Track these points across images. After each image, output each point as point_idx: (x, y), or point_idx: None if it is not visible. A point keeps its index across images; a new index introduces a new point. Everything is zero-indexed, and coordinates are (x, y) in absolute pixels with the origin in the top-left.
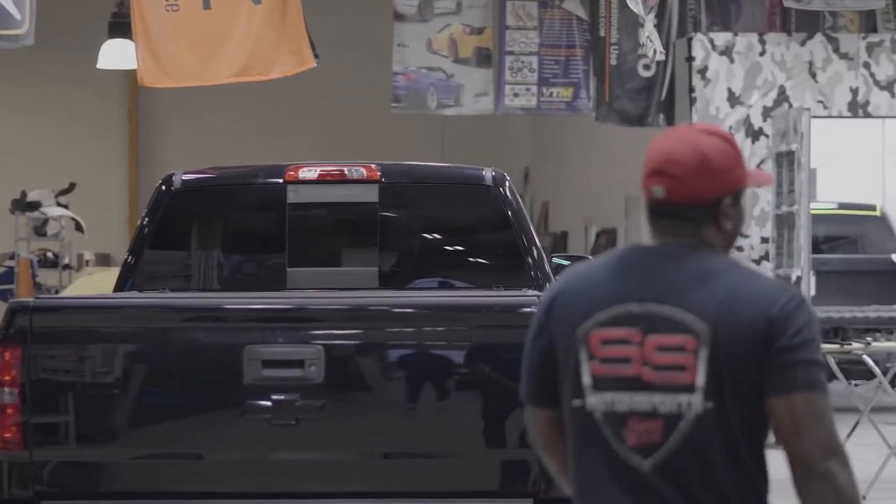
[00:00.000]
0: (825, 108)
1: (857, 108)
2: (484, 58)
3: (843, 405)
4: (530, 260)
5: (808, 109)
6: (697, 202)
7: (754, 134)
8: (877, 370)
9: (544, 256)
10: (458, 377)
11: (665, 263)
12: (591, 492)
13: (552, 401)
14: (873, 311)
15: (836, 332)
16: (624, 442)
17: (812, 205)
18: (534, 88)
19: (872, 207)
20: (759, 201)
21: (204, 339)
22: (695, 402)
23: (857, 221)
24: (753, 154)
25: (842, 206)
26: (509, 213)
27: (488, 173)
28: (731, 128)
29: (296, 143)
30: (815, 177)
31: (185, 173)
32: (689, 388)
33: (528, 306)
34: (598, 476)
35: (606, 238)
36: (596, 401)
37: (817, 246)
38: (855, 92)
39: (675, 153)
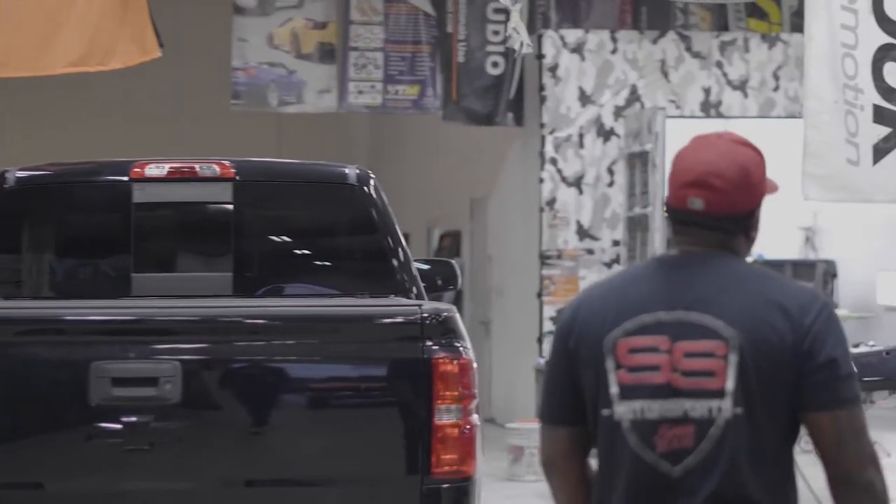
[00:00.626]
0: (677, 107)
1: (710, 108)
2: (327, 53)
3: None
4: (396, 262)
5: (664, 109)
6: (734, 214)
7: (606, 134)
8: None
9: (411, 258)
10: (332, 396)
11: (693, 271)
12: (619, 501)
13: (575, 419)
14: None
15: None
16: (654, 449)
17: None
18: (379, 86)
19: None
20: (611, 203)
21: (45, 355)
22: (724, 407)
23: None
24: (605, 155)
25: None
26: (374, 213)
27: (352, 171)
28: (581, 127)
29: (129, 138)
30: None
31: (19, 170)
32: (719, 394)
33: (406, 316)
34: (625, 484)
35: (450, 240)
36: (624, 409)
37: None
38: (707, 92)
39: (717, 166)
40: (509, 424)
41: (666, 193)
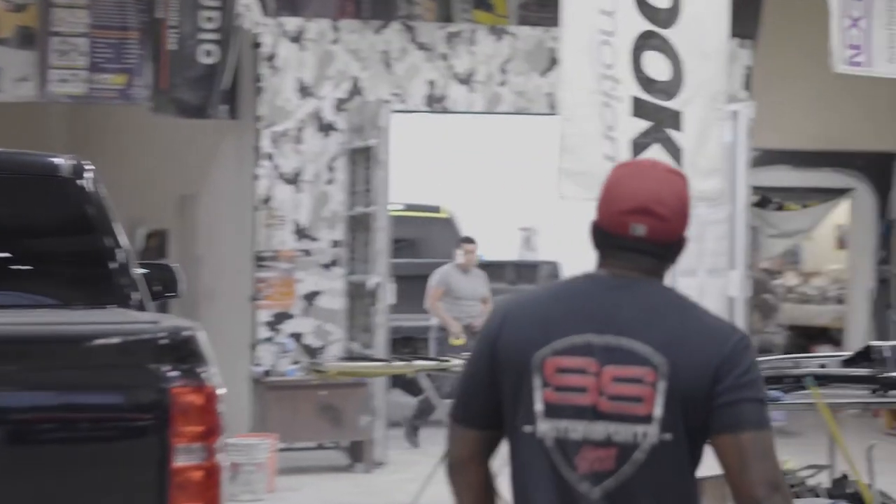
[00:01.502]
0: (401, 101)
1: (435, 102)
2: (27, 38)
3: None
4: (116, 267)
5: (389, 102)
6: (671, 241)
7: (326, 128)
8: None
9: (133, 263)
10: (42, 436)
11: (626, 295)
12: None
13: (485, 423)
14: None
15: (407, 341)
16: (575, 469)
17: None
18: (83, 74)
19: (437, 209)
20: (330, 201)
21: None
22: (651, 433)
23: (422, 224)
24: (325, 150)
25: (408, 207)
26: (90, 210)
27: (65, 162)
28: (300, 121)
29: None
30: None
31: None
32: (647, 419)
33: (137, 336)
34: (547, 500)
35: (157, 240)
36: (547, 427)
37: None
38: (432, 85)
39: (660, 194)
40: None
41: (600, 217)
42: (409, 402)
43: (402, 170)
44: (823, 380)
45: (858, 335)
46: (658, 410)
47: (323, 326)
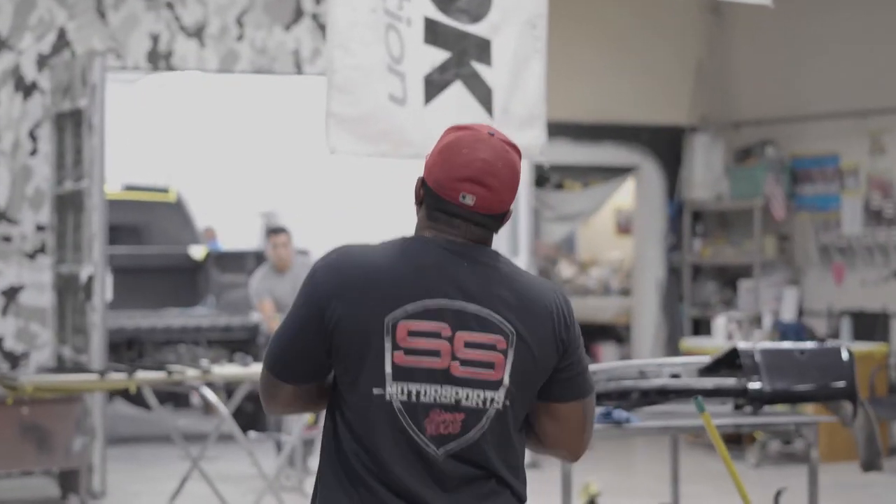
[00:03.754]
0: (118, 57)
1: (159, 59)
2: None
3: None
4: None
5: (104, 56)
6: (498, 213)
7: (27, 88)
8: (222, 407)
9: None
10: None
11: (464, 262)
12: (389, 473)
13: (307, 379)
14: (175, 319)
15: (131, 344)
16: (423, 432)
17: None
18: None
19: (164, 190)
20: (34, 176)
21: None
22: (498, 399)
23: (145, 208)
24: (26, 115)
25: (128, 187)
26: None
27: None
28: None
29: None
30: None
31: None
32: (496, 385)
33: None
34: (394, 461)
35: None
36: (395, 390)
37: None
38: (156, 39)
39: (495, 166)
40: None
41: (432, 179)
42: (135, 415)
43: (121, 143)
44: (676, 395)
45: (647, 331)
46: (506, 378)
47: (27, 328)
